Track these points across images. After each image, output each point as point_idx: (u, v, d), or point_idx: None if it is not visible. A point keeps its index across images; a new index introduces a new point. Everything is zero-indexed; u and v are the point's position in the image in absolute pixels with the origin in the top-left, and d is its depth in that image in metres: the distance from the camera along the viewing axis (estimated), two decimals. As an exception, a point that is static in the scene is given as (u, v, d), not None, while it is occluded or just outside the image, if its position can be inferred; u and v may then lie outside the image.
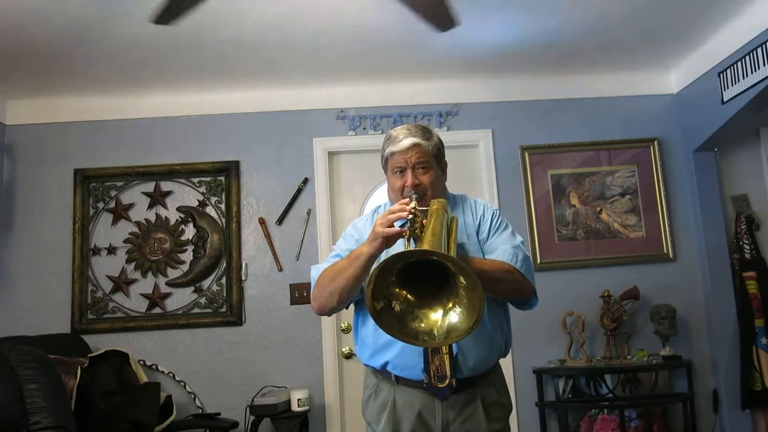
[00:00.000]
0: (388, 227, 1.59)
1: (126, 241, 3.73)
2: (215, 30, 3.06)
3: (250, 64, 3.49)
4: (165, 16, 2.42)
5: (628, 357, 3.54)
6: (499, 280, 1.71)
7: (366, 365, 1.86)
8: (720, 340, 3.70)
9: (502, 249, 1.79)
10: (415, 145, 1.82)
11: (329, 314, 1.86)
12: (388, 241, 1.61)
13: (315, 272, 1.85)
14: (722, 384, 3.67)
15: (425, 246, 1.43)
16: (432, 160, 1.86)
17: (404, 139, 1.83)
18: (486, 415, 1.75)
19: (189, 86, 3.74)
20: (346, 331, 3.70)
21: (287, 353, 3.65)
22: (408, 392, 1.76)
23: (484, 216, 1.90)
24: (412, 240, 1.57)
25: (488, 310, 1.76)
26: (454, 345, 1.70)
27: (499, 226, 1.88)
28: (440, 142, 1.92)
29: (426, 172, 1.83)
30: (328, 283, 1.76)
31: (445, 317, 1.43)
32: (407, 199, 1.69)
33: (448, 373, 1.70)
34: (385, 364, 1.78)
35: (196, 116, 3.86)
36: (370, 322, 1.78)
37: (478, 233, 1.86)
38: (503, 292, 1.77)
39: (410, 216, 1.58)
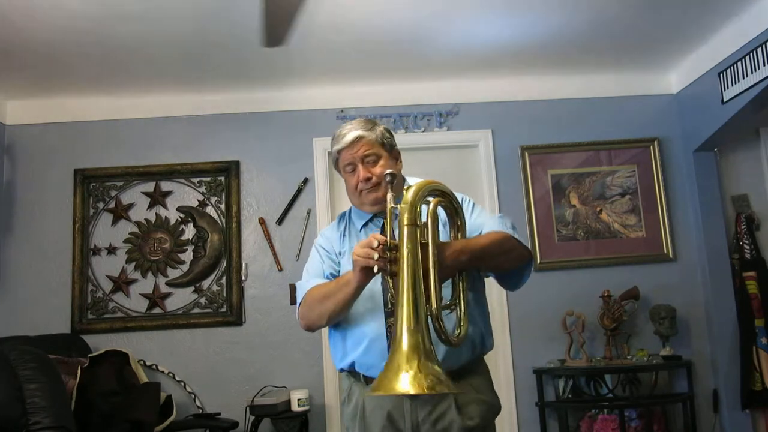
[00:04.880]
0: (364, 259, 1.52)
1: (126, 241, 3.73)
2: (215, 30, 3.06)
3: (250, 64, 3.49)
4: (271, 40, 2.54)
5: (628, 357, 3.54)
6: (504, 250, 1.67)
7: (339, 370, 1.83)
8: (720, 340, 3.70)
9: (489, 224, 1.76)
10: (358, 139, 1.77)
11: (315, 331, 1.87)
12: (368, 272, 1.54)
13: (300, 291, 1.83)
14: (722, 384, 3.67)
15: (400, 337, 1.33)
16: (380, 150, 1.80)
17: (347, 134, 1.78)
18: (460, 414, 1.65)
19: (189, 86, 3.74)
20: (346, 331, 3.70)
21: (287, 353, 3.65)
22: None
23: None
24: (389, 275, 1.51)
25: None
26: None
27: (474, 210, 1.84)
28: (386, 130, 1.86)
29: (376, 162, 1.78)
30: (317, 305, 1.73)
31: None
32: (374, 241, 1.50)
33: None
34: (353, 363, 1.74)
35: (196, 116, 3.87)
36: (340, 326, 1.78)
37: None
38: (510, 261, 1.71)
39: (380, 262, 1.47)
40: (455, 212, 1.64)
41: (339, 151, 1.80)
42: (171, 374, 3.57)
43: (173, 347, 3.64)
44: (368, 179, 1.76)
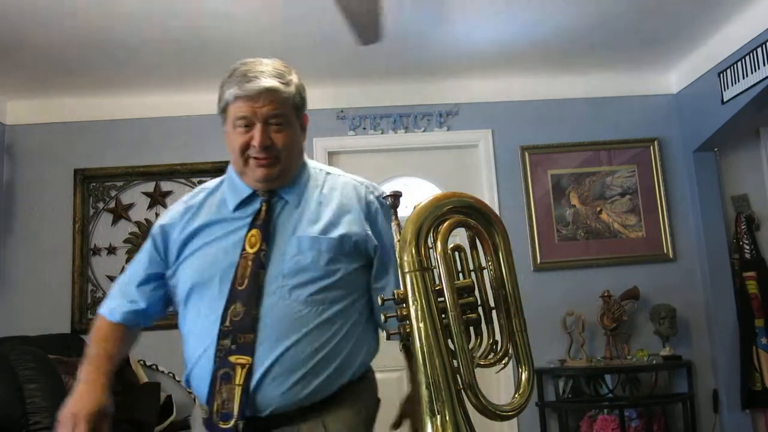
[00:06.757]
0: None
1: (126, 241, 3.73)
2: (215, 30, 3.06)
3: (250, 64, 3.49)
4: (365, 37, 2.50)
5: (628, 357, 3.54)
6: None
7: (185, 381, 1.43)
8: (720, 340, 3.70)
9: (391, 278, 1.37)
10: (269, 92, 1.28)
11: None
12: None
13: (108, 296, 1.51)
14: (722, 384, 3.67)
15: None
16: (291, 115, 1.32)
17: (254, 80, 1.29)
18: None
19: (189, 86, 3.74)
20: (346, 331, 3.70)
21: (287, 353, 3.64)
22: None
23: (368, 209, 1.44)
24: None
25: (324, 325, 1.27)
26: (254, 376, 1.21)
27: (378, 218, 1.41)
28: (302, 85, 1.38)
29: (282, 129, 1.30)
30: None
31: None
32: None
33: (236, 412, 1.18)
34: (188, 379, 1.35)
35: (196, 116, 3.86)
36: (186, 323, 1.43)
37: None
38: None
39: None
40: (487, 227, 1.15)
41: (236, 97, 1.31)
42: (171, 374, 3.57)
43: (173, 347, 3.62)
44: (267, 148, 1.29)
